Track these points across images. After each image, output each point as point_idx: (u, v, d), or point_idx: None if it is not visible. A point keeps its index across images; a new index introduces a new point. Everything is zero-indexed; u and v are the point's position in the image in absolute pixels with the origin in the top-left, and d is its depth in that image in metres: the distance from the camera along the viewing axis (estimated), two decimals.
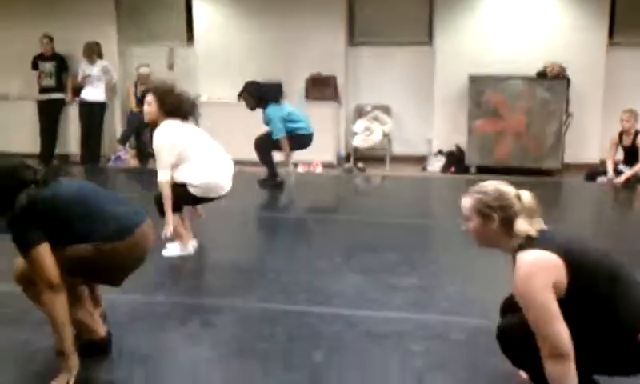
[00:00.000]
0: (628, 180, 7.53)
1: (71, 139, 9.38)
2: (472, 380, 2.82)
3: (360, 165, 8.79)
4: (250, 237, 5.52)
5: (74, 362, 2.67)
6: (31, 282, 2.76)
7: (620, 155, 7.87)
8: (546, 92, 8.21)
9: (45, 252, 2.60)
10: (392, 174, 8.56)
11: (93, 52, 8.88)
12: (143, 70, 9.13)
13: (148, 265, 3.09)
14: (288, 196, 7.02)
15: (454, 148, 8.73)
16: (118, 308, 3.15)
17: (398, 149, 9.17)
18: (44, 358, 2.97)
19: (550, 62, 8.20)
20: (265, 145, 7.13)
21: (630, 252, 4.49)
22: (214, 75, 9.28)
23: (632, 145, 7.69)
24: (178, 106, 4.42)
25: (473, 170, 8.44)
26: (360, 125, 8.99)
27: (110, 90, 9.22)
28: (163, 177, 4.31)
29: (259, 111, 7.17)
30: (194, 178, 4.38)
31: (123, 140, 9.10)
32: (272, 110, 6.98)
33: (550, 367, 2.22)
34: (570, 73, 8.19)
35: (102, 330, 2.95)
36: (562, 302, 2.23)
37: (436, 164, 8.72)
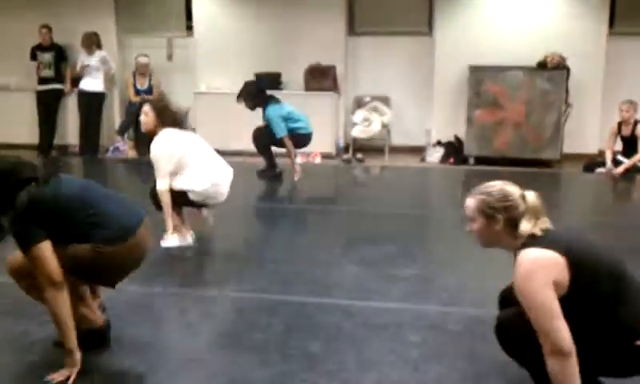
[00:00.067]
0: (627, 170, 7.54)
1: (70, 130, 9.38)
2: (469, 370, 2.82)
3: (359, 155, 8.79)
4: (249, 227, 5.52)
5: (77, 358, 2.67)
6: (25, 276, 2.76)
7: (619, 146, 7.86)
8: (546, 82, 8.20)
9: (46, 249, 2.60)
10: (391, 165, 8.56)
11: (91, 42, 8.86)
12: (142, 60, 9.11)
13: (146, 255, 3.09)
14: (287, 187, 7.02)
15: (452, 139, 8.72)
16: (117, 299, 3.15)
17: (397, 139, 9.17)
18: (42, 348, 2.97)
19: (550, 52, 8.19)
20: (262, 136, 7.12)
21: (629, 243, 4.50)
22: (212, 65, 9.27)
23: (631, 135, 7.69)
24: (174, 116, 4.48)
25: (472, 160, 8.44)
26: (359, 115, 8.98)
27: (109, 80, 9.20)
28: (162, 185, 4.33)
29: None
30: (194, 185, 4.41)
31: (122, 131, 9.10)
32: (272, 109, 6.97)
33: (552, 365, 2.21)
34: (569, 63, 8.18)
35: (100, 319, 2.95)
36: (564, 301, 2.22)
37: (435, 155, 8.72)
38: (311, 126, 7.15)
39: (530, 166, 8.06)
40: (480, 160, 8.38)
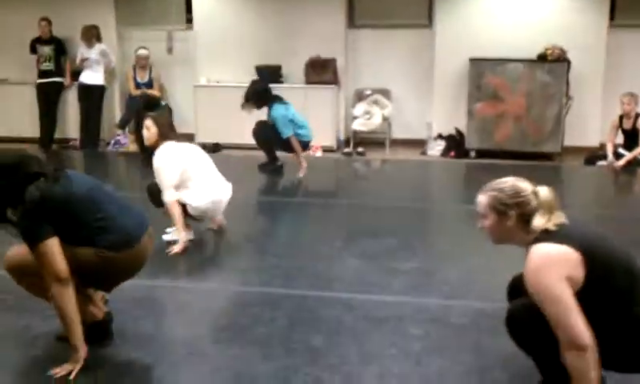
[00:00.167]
0: (628, 163, 7.53)
1: (70, 123, 9.36)
2: (472, 363, 2.83)
3: (360, 149, 8.78)
4: (251, 221, 5.52)
5: (82, 354, 2.67)
6: (24, 274, 2.76)
7: (620, 139, 7.85)
8: (547, 75, 8.18)
9: (54, 245, 2.60)
10: (392, 158, 8.56)
11: (91, 35, 8.83)
12: (142, 52, 9.09)
13: None
14: (288, 181, 7.01)
15: (453, 131, 8.71)
16: (121, 292, 3.14)
17: (398, 132, 9.15)
18: (45, 342, 2.98)
19: (551, 45, 8.17)
20: (263, 131, 7.10)
21: (630, 236, 4.50)
22: (213, 58, 9.24)
23: (632, 128, 7.68)
24: (171, 131, 4.54)
25: (472, 153, 8.43)
26: (360, 108, 8.96)
27: (109, 73, 9.18)
28: (170, 197, 4.32)
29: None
30: (193, 200, 4.41)
31: (122, 124, 9.08)
32: (278, 109, 6.94)
33: (571, 359, 2.20)
34: (570, 55, 8.16)
35: (101, 313, 2.96)
36: (578, 296, 2.21)
37: (436, 148, 8.71)
38: (312, 134, 7.17)
39: (531, 159, 8.05)
40: (481, 153, 8.37)
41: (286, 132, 6.88)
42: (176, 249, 4.25)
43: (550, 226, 2.33)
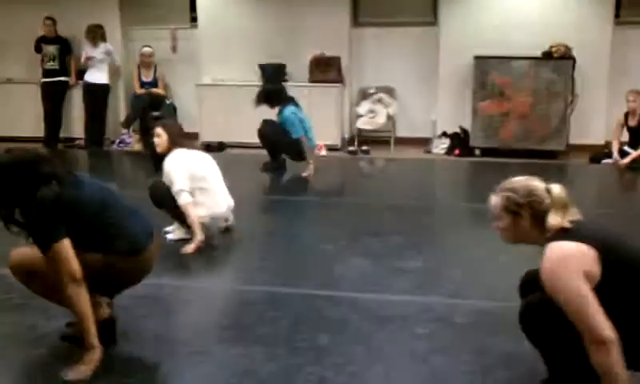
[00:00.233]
0: (633, 161, 7.50)
1: (75, 122, 9.38)
2: (476, 362, 2.82)
3: (364, 147, 8.77)
4: (254, 220, 5.51)
5: (97, 354, 2.66)
6: (31, 274, 2.75)
7: (625, 136, 7.83)
8: (552, 72, 8.16)
9: (67, 247, 2.59)
10: (396, 157, 8.54)
11: (96, 34, 8.84)
12: (146, 50, 9.10)
13: None
14: (292, 180, 7.01)
15: (458, 130, 8.69)
16: (125, 292, 3.14)
17: (402, 131, 9.15)
18: (50, 342, 2.99)
19: (556, 42, 8.14)
20: (268, 129, 7.12)
21: (636, 234, 4.48)
22: (217, 57, 9.25)
23: (637, 126, 7.65)
24: (182, 138, 4.60)
25: (477, 152, 8.42)
26: (364, 107, 8.96)
27: (114, 73, 9.20)
28: (185, 198, 4.32)
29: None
30: (201, 209, 4.41)
31: (127, 124, 9.08)
32: (288, 110, 6.96)
33: (594, 355, 2.18)
34: (575, 53, 8.13)
35: (105, 313, 2.96)
36: (595, 292, 2.19)
37: (440, 146, 8.69)
38: (315, 140, 7.22)
39: (536, 158, 8.03)
40: (486, 151, 8.35)
41: (297, 132, 6.90)
42: (190, 249, 4.25)
43: (565, 223, 2.32)
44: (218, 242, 4.69)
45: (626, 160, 7.54)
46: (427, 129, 8.97)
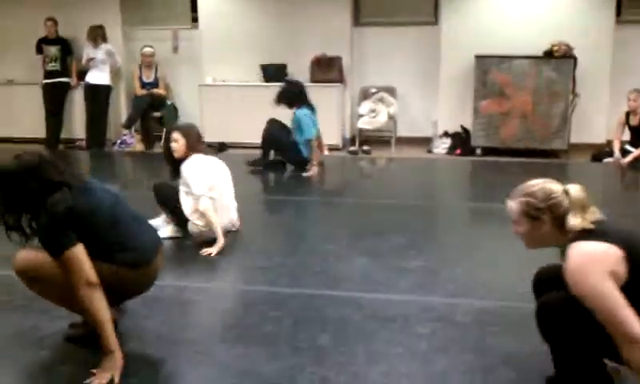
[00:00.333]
0: (635, 160, 7.50)
1: (76, 123, 9.39)
2: (478, 362, 2.82)
3: (365, 147, 8.77)
4: (256, 220, 5.52)
5: (119, 358, 2.63)
6: (37, 278, 2.74)
7: (627, 135, 7.82)
8: (553, 72, 8.16)
9: (80, 252, 2.58)
10: (397, 156, 8.55)
11: (97, 35, 8.86)
12: (147, 50, 9.11)
13: None
14: (293, 179, 7.02)
15: (459, 129, 8.69)
16: None
17: (404, 130, 9.15)
18: (52, 343, 2.99)
19: (557, 41, 8.14)
20: (274, 130, 7.17)
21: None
22: (218, 57, 9.26)
23: (639, 124, 7.65)
24: (199, 143, 4.59)
25: (478, 151, 8.42)
26: (365, 107, 8.96)
27: (115, 73, 9.20)
28: (205, 203, 4.33)
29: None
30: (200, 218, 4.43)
31: (128, 124, 9.09)
32: (304, 110, 7.04)
33: (628, 354, 2.17)
34: (576, 52, 8.13)
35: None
36: (622, 292, 2.18)
37: (441, 146, 8.69)
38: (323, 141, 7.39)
39: (538, 157, 8.03)
40: (487, 151, 8.35)
41: (309, 132, 6.98)
42: (213, 252, 4.26)
43: (587, 224, 2.30)
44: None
45: (628, 159, 7.53)
46: (428, 128, 8.97)
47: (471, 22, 8.63)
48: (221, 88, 9.09)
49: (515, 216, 2.42)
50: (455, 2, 8.70)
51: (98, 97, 8.90)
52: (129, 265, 2.77)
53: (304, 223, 5.44)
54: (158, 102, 9.17)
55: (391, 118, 8.90)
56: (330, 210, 5.87)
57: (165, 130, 9.04)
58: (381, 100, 8.94)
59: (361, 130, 8.96)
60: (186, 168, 4.42)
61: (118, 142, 9.12)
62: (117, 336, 2.90)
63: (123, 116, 9.43)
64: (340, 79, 8.85)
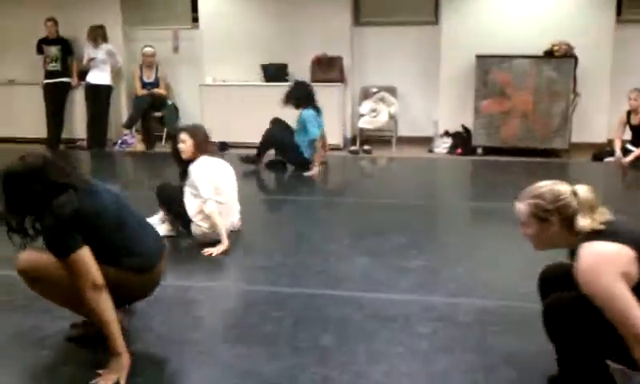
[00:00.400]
0: (636, 159, 7.49)
1: (77, 123, 9.38)
2: (479, 361, 2.82)
3: (366, 147, 8.77)
4: (257, 219, 5.52)
5: (126, 360, 2.62)
6: (40, 278, 2.73)
7: (628, 135, 7.82)
8: (553, 71, 8.15)
9: (87, 254, 2.57)
10: (398, 156, 8.55)
11: (98, 35, 8.85)
12: (147, 50, 9.12)
13: None
14: (294, 179, 7.02)
15: (460, 129, 8.69)
16: None
17: (404, 130, 9.15)
18: (53, 342, 2.99)
19: (558, 41, 8.14)
20: (277, 131, 7.19)
21: None
22: (219, 57, 9.25)
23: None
24: (207, 144, 4.58)
25: (479, 151, 8.41)
26: (366, 106, 8.95)
27: (116, 73, 9.20)
28: (211, 207, 4.33)
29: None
30: (204, 220, 4.43)
31: (129, 124, 9.09)
32: (310, 111, 7.10)
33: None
34: (577, 51, 8.13)
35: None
36: (634, 292, 2.18)
37: (442, 145, 8.69)
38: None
39: (539, 156, 8.02)
40: (488, 150, 8.35)
41: (315, 132, 7.02)
42: (214, 252, 4.27)
43: (596, 225, 2.29)
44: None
45: (629, 158, 7.53)
46: (429, 128, 8.97)
47: (472, 21, 8.62)
48: (221, 88, 9.09)
49: (524, 218, 2.41)
50: (455, 1, 8.69)
51: (98, 97, 8.90)
52: (135, 270, 2.77)
53: (305, 223, 5.43)
54: (159, 102, 9.17)
55: (392, 117, 8.90)
56: (331, 210, 5.87)
57: (165, 130, 9.13)
58: (381, 100, 8.94)
59: (362, 130, 8.96)
60: (194, 170, 4.41)
61: (119, 142, 9.12)
62: (124, 337, 2.91)
63: (124, 116, 9.43)
64: (341, 79, 8.85)
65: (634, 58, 8.47)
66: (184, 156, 4.51)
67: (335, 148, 8.71)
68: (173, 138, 4.71)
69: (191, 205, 4.44)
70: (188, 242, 4.50)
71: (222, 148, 8.55)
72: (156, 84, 9.17)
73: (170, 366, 2.86)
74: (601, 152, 7.96)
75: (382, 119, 8.85)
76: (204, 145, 4.53)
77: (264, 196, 6.46)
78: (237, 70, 9.18)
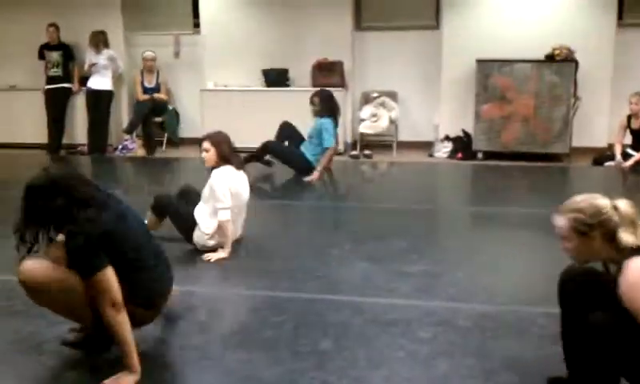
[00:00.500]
0: (636, 163, 7.49)
1: (78, 129, 9.38)
2: (480, 366, 2.81)
3: (367, 151, 8.77)
4: (257, 224, 5.52)
5: (135, 377, 2.64)
6: (45, 291, 2.70)
7: (628, 139, 7.81)
8: (554, 75, 8.15)
9: (111, 274, 2.58)
10: (399, 161, 8.54)
11: (99, 41, 8.86)
12: (148, 54, 9.14)
13: None
14: (294, 184, 7.01)
15: (461, 133, 8.69)
16: None
17: (405, 135, 9.15)
18: (52, 348, 2.98)
19: (558, 45, 8.14)
20: (286, 133, 7.24)
21: None
22: (220, 62, 9.26)
23: None
24: (231, 154, 4.54)
25: (480, 155, 8.41)
26: (366, 111, 8.96)
27: (117, 79, 9.21)
28: (226, 216, 4.33)
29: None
30: (209, 228, 4.42)
31: (130, 130, 9.10)
32: (328, 121, 7.14)
33: None
34: (578, 55, 8.12)
35: None
36: None
37: (443, 150, 8.69)
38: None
39: (539, 161, 8.01)
40: (488, 155, 8.34)
41: (330, 141, 7.07)
42: (213, 258, 4.29)
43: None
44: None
45: (629, 162, 7.52)
46: (430, 132, 8.97)
47: (472, 26, 8.63)
48: (222, 93, 9.09)
49: (564, 232, 2.39)
50: (456, 6, 8.70)
51: (99, 102, 8.91)
52: (144, 306, 2.78)
53: (305, 227, 5.43)
54: (160, 108, 9.18)
55: (392, 122, 8.90)
56: (332, 215, 5.87)
57: (166, 135, 9.13)
58: (382, 104, 8.94)
59: (362, 135, 8.96)
60: (214, 178, 4.38)
61: (120, 147, 9.13)
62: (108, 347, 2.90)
63: (125, 121, 9.43)
64: (341, 84, 8.85)
65: (634, 62, 8.47)
66: (206, 164, 4.49)
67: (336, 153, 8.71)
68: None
69: (201, 210, 4.44)
70: (188, 248, 4.50)
71: None
72: (157, 89, 9.19)
73: (171, 371, 2.85)
74: (601, 156, 7.95)
75: (383, 124, 8.85)
76: (228, 154, 4.49)
77: (264, 201, 6.45)
78: (238, 75, 9.19)
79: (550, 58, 8.17)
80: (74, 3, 9.30)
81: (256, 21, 9.18)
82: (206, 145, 4.48)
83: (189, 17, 9.64)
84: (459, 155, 8.48)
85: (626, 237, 2.29)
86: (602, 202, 2.36)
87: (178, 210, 4.54)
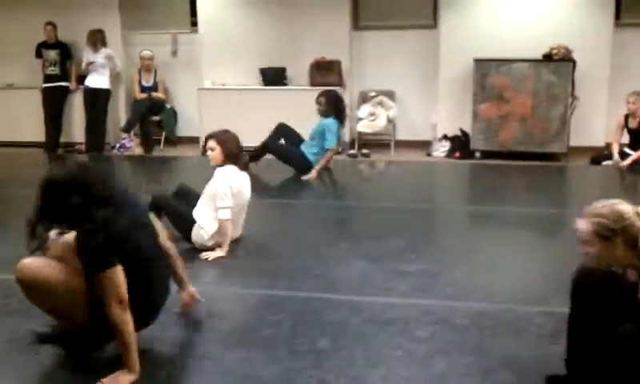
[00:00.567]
0: (634, 163, 7.49)
1: (76, 127, 9.37)
2: (477, 365, 2.82)
3: (364, 150, 8.77)
4: (255, 223, 5.51)
5: (133, 377, 2.64)
6: (43, 291, 2.69)
7: (626, 138, 7.82)
8: (552, 75, 8.16)
9: (121, 272, 2.59)
10: (396, 160, 8.54)
11: (97, 39, 8.85)
12: (145, 53, 9.13)
13: None
14: (292, 182, 7.01)
15: (458, 132, 8.69)
16: None
17: (403, 134, 9.15)
18: (48, 347, 2.97)
19: (556, 44, 8.14)
20: (284, 133, 7.24)
21: None
22: (217, 61, 9.25)
23: (638, 127, 7.64)
24: (237, 154, 4.52)
25: (478, 154, 8.42)
26: (364, 110, 8.96)
27: (115, 77, 9.20)
28: (226, 215, 4.34)
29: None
30: (212, 229, 4.43)
31: (127, 128, 9.08)
32: (333, 122, 7.14)
33: None
34: (575, 55, 8.13)
35: None
36: None
37: (441, 149, 8.69)
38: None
39: (537, 160, 8.02)
40: (486, 154, 8.35)
41: (332, 142, 7.09)
42: (210, 257, 4.30)
43: None
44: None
45: (627, 162, 7.53)
46: (427, 132, 8.97)
47: (470, 25, 8.63)
48: (220, 92, 9.09)
49: (587, 236, 2.39)
50: (454, 5, 8.70)
51: (97, 101, 8.90)
52: (140, 320, 2.76)
53: (303, 226, 5.43)
54: (157, 106, 9.18)
55: (390, 121, 8.90)
56: (330, 213, 5.87)
57: (163, 134, 9.13)
58: (380, 103, 8.94)
59: (360, 134, 8.96)
60: (218, 176, 4.38)
61: (117, 145, 9.12)
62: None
63: (122, 120, 9.42)
64: (339, 83, 8.85)
65: (632, 62, 8.47)
66: (212, 163, 4.49)
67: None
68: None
69: (202, 207, 4.43)
70: (186, 247, 4.49)
71: None
72: (155, 88, 9.18)
73: (169, 369, 2.85)
74: (599, 156, 7.96)
75: (381, 123, 8.85)
76: (234, 154, 4.47)
77: (262, 199, 6.44)
78: (235, 73, 9.18)
79: (548, 58, 8.17)
80: (72, 2, 9.29)
81: (254, 20, 9.18)
82: (212, 143, 4.48)
83: (186, 15, 9.64)
84: (457, 154, 8.49)
85: None
86: (625, 207, 2.36)
87: (177, 209, 4.54)
